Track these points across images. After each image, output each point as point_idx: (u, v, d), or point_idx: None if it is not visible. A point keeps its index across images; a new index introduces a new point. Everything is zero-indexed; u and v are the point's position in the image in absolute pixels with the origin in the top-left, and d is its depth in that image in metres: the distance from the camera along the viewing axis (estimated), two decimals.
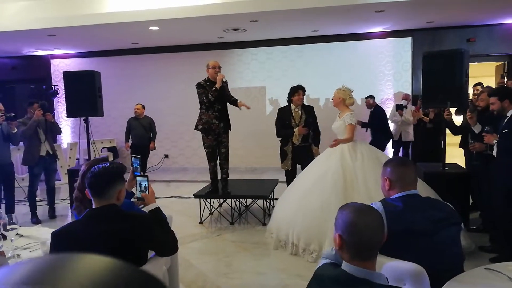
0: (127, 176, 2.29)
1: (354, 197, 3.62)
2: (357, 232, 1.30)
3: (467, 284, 1.71)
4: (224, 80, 4.87)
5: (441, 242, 1.81)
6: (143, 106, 7.11)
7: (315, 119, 4.98)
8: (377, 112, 6.99)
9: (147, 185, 2.22)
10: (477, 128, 3.96)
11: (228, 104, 5.10)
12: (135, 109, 7.09)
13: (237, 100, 5.05)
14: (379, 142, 6.35)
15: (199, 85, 4.99)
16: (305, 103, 5.09)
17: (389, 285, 1.32)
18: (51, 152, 5.22)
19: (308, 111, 4.97)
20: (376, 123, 6.96)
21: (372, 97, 7.23)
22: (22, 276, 0.35)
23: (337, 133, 4.23)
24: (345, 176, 3.80)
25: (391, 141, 7.37)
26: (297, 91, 4.90)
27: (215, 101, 4.90)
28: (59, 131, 5.59)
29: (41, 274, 0.35)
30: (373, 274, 1.30)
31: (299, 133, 4.81)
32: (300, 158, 4.90)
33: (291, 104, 4.94)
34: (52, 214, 5.41)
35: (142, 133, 6.99)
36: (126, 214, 1.92)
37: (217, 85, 4.79)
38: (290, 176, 4.95)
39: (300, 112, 4.91)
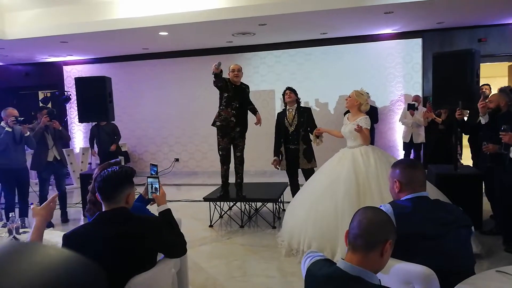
0: (138, 179, 2.31)
1: (367, 203, 3.50)
2: (356, 223, 1.40)
3: (478, 287, 1.68)
4: (216, 66, 4.64)
5: (450, 245, 1.78)
6: None
7: (309, 119, 5.12)
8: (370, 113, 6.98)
9: (157, 187, 2.25)
10: (485, 119, 3.92)
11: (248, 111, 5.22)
12: None
13: (257, 111, 5.22)
14: None
15: (223, 79, 4.89)
16: (314, 106, 5.08)
17: (382, 285, 1.32)
18: (58, 158, 5.29)
19: (302, 111, 5.16)
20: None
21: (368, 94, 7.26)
22: None
23: (348, 137, 4.10)
24: (358, 181, 3.71)
25: (402, 142, 7.32)
26: (285, 91, 5.24)
27: (233, 99, 4.95)
28: (67, 138, 5.67)
29: None
30: (367, 272, 1.33)
31: (274, 162, 5.20)
32: (290, 160, 5.13)
33: (287, 106, 5.24)
34: (64, 218, 5.47)
35: (105, 139, 7.06)
36: (135, 217, 1.94)
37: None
38: (289, 176, 5.28)
39: (294, 112, 5.14)
